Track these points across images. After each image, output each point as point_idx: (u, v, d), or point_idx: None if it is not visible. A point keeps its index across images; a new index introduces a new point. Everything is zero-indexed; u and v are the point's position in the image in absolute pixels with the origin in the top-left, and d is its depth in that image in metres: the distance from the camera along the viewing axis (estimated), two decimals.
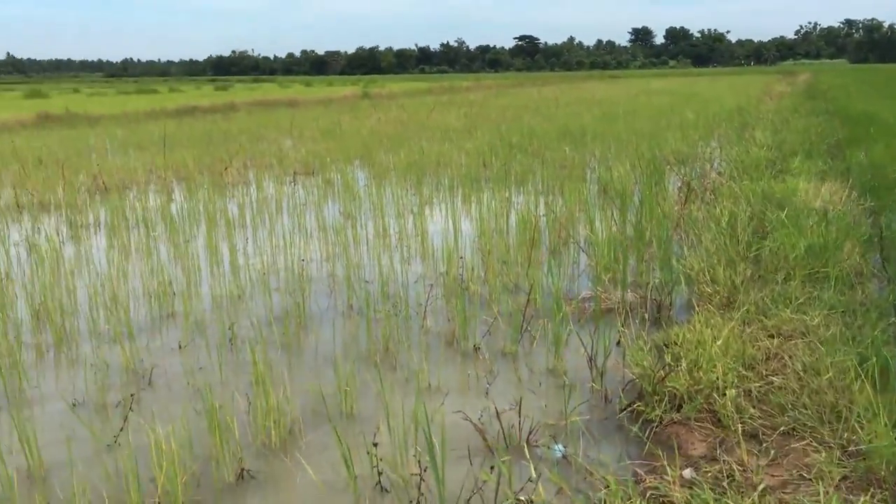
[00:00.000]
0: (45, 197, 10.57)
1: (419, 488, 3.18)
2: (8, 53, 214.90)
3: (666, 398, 3.96)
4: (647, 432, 3.76)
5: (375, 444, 3.36)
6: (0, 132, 21.08)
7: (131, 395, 4.23)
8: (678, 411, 3.91)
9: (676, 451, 3.56)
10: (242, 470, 3.54)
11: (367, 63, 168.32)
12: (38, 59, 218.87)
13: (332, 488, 3.41)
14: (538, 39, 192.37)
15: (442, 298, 5.89)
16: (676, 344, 4.55)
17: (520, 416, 3.79)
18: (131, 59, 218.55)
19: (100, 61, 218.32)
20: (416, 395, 4.01)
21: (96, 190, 11.29)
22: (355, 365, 4.67)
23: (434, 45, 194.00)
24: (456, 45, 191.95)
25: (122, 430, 3.90)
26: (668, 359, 4.30)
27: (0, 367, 4.75)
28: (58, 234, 8.46)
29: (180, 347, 5.11)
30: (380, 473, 3.36)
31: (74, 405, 4.30)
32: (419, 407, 3.75)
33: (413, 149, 14.28)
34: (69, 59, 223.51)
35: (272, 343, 5.12)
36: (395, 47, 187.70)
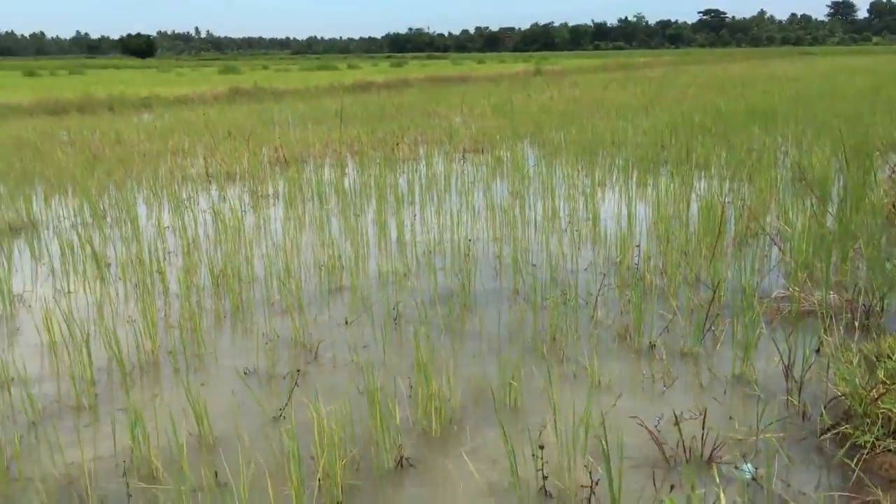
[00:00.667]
0: (231, 167, 11.15)
1: (589, 501, 2.89)
2: (208, 32, 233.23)
3: (879, 421, 3.41)
4: (856, 460, 3.25)
5: (541, 447, 3.10)
6: (196, 105, 22.72)
7: (297, 371, 4.25)
8: (894, 438, 3.36)
9: None
10: (402, 457, 3.41)
11: (541, 39, 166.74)
12: (233, 37, 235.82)
13: (493, 487, 3.20)
14: (724, 13, 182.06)
15: (615, 288, 5.51)
16: (891, 357, 3.94)
17: (703, 428, 3.39)
18: (315, 36, 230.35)
19: (287, 39, 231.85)
20: (588, 394, 3.71)
21: (277, 162, 11.79)
22: (520, 354, 4.44)
23: (611, 21, 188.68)
24: (634, 20, 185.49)
25: (287, 404, 3.91)
26: (881, 375, 3.72)
27: (181, 330, 4.97)
28: (240, 204, 8.87)
29: (346, 323, 5.10)
30: (545, 478, 3.11)
31: (245, 374, 4.38)
32: (590, 408, 3.46)
33: (586, 127, 13.78)
34: (260, 37, 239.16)
35: (435, 325, 5.00)
36: (571, 23, 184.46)
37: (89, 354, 4.43)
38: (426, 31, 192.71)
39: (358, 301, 5.52)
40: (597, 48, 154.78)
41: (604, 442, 2.92)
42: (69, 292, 5.89)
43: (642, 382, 4.10)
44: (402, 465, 3.39)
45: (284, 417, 3.82)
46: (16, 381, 4.29)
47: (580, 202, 8.30)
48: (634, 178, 9.52)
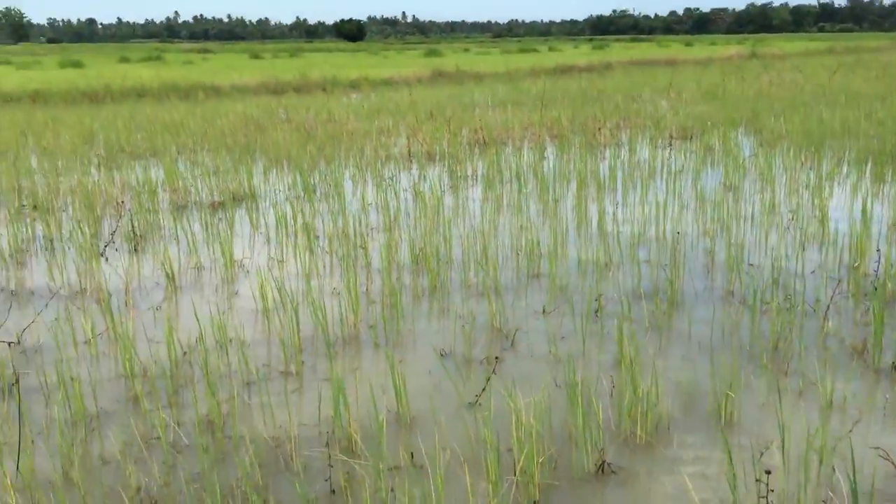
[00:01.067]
0: (431, 147, 11.34)
1: None
2: (413, 16, 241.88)
3: None
4: None
5: (768, 472, 2.76)
6: (401, 86, 23.49)
7: (496, 358, 4.14)
8: None
9: None
10: (603, 462, 3.20)
11: (757, 20, 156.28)
12: (436, 20, 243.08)
13: None
14: None
15: (849, 297, 4.90)
16: None
17: None
18: (516, 19, 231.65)
19: (489, 22, 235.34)
20: (820, 415, 3.28)
21: (476, 143, 11.83)
22: (737, 362, 4.05)
23: (838, 0, 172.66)
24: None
25: (483, 390, 3.82)
26: None
27: (382, 306, 5.04)
28: (439, 184, 8.96)
29: (544, 312, 4.94)
30: None
31: (442, 355, 4.35)
32: (824, 431, 3.04)
33: (810, 115, 12.58)
34: (462, 21, 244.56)
35: (639, 321, 4.70)
36: (791, 3, 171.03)
37: (298, 322, 4.61)
38: (630, 12, 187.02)
39: (556, 289, 5.33)
40: (821, 30, 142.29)
41: (849, 475, 2.53)
42: (281, 261, 6.21)
43: (884, 407, 3.57)
44: (602, 470, 3.17)
45: (480, 404, 3.73)
46: (233, 342, 4.55)
47: (804, 197, 7.54)
48: (869, 173, 8.51)
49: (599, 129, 12.18)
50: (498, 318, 4.80)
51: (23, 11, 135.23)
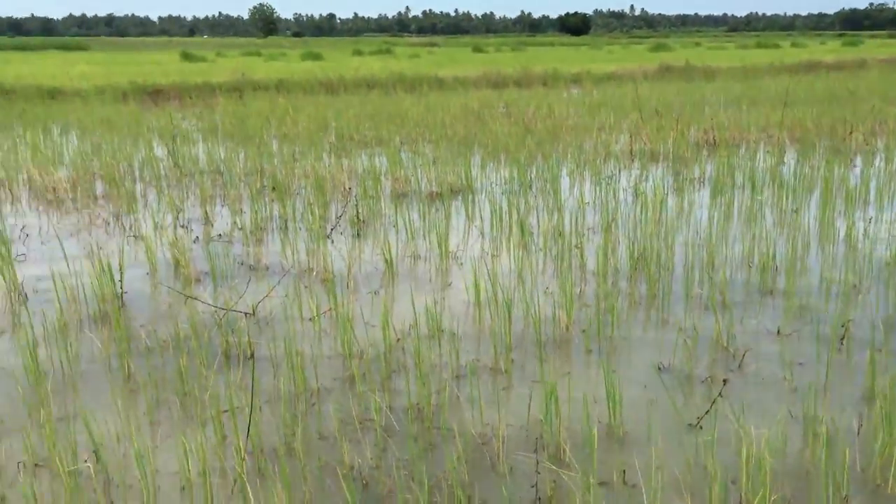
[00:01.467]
0: (655, 146, 10.84)
1: None
2: (642, 9, 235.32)
3: None
4: None
5: None
6: (626, 81, 22.81)
7: (724, 381, 3.79)
8: None
9: None
10: None
11: None
12: (666, 14, 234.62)
13: None
14: None
15: None
16: None
17: None
18: (755, 12, 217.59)
19: (724, 15, 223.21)
20: None
21: (705, 144, 11.14)
22: None
23: None
24: None
25: (707, 412, 3.51)
26: None
27: (596, 310, 4.84)
28: (663, 185, 8.52)
29: (778, 333, 4.47)
30: None
31: (660, 369, 4.07)
32: None
33: None
34: (695, 14, 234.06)
35: (893, 352, 4.10)
36: None
37: (509, 319, 4.54)
38: (890, 6, 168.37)
39: (794, 309, 4.82)
40: None
41: None
42: (494, 255, 6.19)
43: None
44: None
45: (702, 427, 3.43)
46: (445, 333, 4.58)
47: None
48: None
49: (850, 132, 10.99)
50: (724, 336, 4.41)
51: (273, 7, 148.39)
